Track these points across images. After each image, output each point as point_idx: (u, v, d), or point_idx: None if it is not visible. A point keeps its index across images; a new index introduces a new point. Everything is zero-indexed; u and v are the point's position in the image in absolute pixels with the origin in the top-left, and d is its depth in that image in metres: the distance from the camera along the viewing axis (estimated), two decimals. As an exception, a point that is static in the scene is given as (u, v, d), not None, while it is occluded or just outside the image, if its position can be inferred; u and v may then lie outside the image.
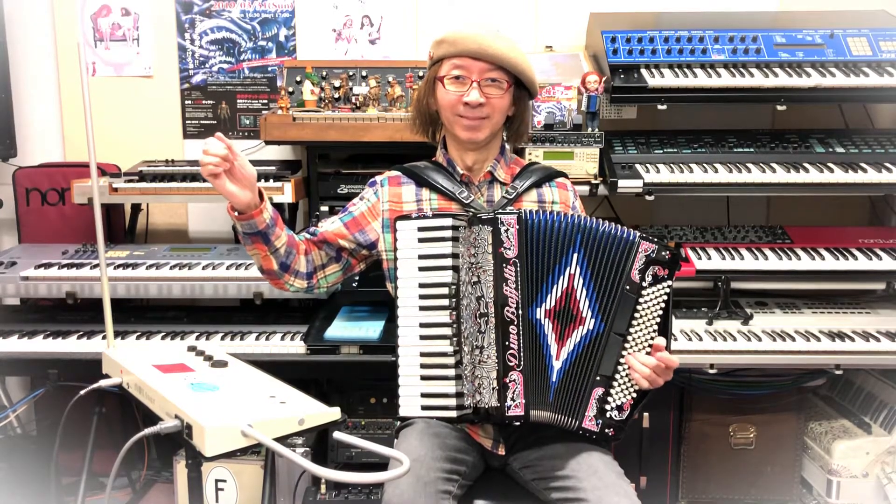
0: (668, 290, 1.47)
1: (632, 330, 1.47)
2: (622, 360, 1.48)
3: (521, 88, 1.65)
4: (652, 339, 1.47)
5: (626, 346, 1.48)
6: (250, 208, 1.50)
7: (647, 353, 1.46)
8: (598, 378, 1.48)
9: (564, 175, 1.78)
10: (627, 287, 1.47)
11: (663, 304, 1.47)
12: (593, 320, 1.49)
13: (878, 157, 2.38)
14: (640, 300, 1.47)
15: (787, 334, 2.19)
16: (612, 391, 1.48)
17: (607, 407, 1.48)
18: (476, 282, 1.50)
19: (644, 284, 1.47)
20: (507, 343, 1.48)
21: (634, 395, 1.48)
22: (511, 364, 1.48)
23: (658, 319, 1.48)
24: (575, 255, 1.49)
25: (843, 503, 2.30)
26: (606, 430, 1.48)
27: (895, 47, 2.38)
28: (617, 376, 1.48)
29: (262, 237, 1.55)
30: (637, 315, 1.47)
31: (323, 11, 2.81)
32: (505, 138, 1.75)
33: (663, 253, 1.47)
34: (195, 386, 1.29)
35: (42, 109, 2.84)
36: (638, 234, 1.48)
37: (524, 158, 2.27)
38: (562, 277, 1.49)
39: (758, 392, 2.38)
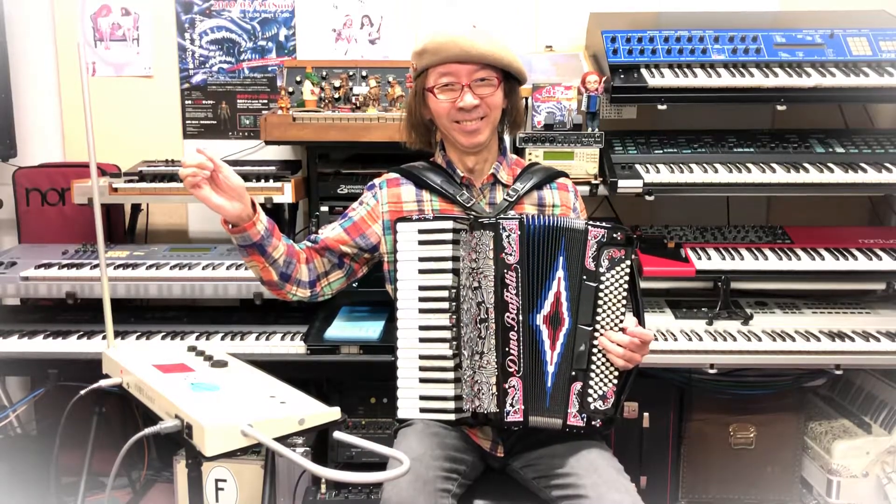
0: (628, 270, 1.48)
1: (598, 318, 1.48)
2: (594, 350, 1.48)
3: (511, 79, 1.65)
4: (621, 321, 1.48)
5: (596, 335, 1.48)
6: (243, 220, 1.49)
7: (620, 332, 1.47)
8: (573, 373, 1.49)
9: (565, 175, 1.77)
10: (585, 277, 1.48)
11: (626, 285, 1.48)
12: (568, 318, 1.50)
13: (878, 157, 2.38)
14: (601, 287, 1.48)
15: (787, 334, 2.19)
16: (591, 382, 1.49)
17: (589, 399, 1.49)
18: (477, 287, 1.50)
19: (601, 270, 1.48)
20: (507, 349, 1.48)
21: (616, 381, 1.49)
22: (511, 370, 1.48)
23: (624, 302, 1.48)
24: (561, 259, 1.50)
25: (843, 503, 2.30)
26: (593, 423, 1.48)
27: (895, 47, 2.38)
28: (592, 367, 1.48)
29: (258, 249, 1.54)
30: (600, 302, 1.48)
31: (323, 11, 2.81)
32: (500, 131, 1.74)
33: (615, 235, 1.47)
34: (195, 386, 1.29)
35: (42, 109, 2.84)
36: (586, 222, 1.49)
37: (525, 158, 2.27)
38: (554, 282, 1.50)
39: (758, 392, 2.38)
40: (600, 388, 1.49)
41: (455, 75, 1.57)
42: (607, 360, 1.49)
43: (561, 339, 1.50)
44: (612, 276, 1.48)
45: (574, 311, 1.49)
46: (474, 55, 1.55)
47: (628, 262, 1.48)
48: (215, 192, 1.46)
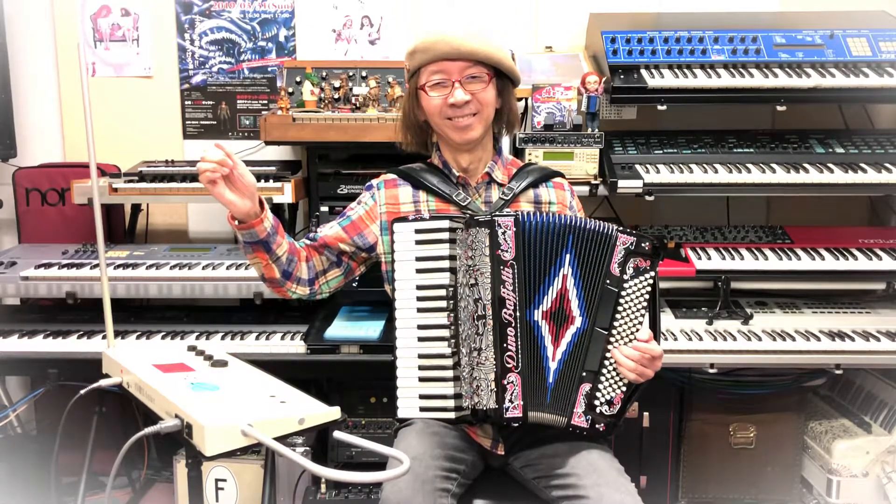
0: (651, 282, 1.47)
1: (616, 324, 1.48)
2: (608, 355, 1.48)
3: (503, 78, 1.65)
4: (637, 330, 1.48)
5: (612, 339, 1.48)
6: (250, 217, 1.50)
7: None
8: (584, 374, 1.49)
9: (561, 175, 1.77)
10: (608, 281, 1.48)
11: (647, 296, 1.48)
12: (580, 318, 1.50)
13: (878, 158, 2.38)
14: (622, 293, 1.47)
15: (787, 334, 2.19)
16: (600, 386, 1.48)
17: (596, 402, 1.48)
18: (474, 284, 1.50)
19: (625, 277, 1.47)
20: (504, 345, 1.48)
21: (624, 388, 1.48)
22: (509, 366, 1.48)
23: (643, 311, 1.48)
24: (568, 256, 1.50)
25: (844, 503, 2.30)
26: (597, 426, 1.48)
27: (895, 47, 2.38)
28: (604, 371, 1.48)
29: (264, 246, 1.55)
30: (620, 308, 1.48)
31: (323, 12, 2.81)
32: (496, 132, 1.74)
33: (643, 245, 1.47)
34: (195, 385, 1.29)
35: (42, 109, 2.84)
36: (615, 227, 1.48)
37: (524, 159, 2.28)
38: (557, 279, 1.50)
39: (758, 392, 2.38)
40: (609, 393, 1.48)
41: (446, 72, 1.58)
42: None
43: (568, 337, 1.50)
44: (635, 284, 1.47)
45: (591, 313, 1.49)
46: (464, 52, 1.56)
47: (652, 274, 1.47)
48: (229, 188, 1.46)
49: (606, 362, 1.48)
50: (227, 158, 1.44)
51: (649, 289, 1.48)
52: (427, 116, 1.65)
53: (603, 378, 1.49)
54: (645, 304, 1.48)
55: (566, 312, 1.50)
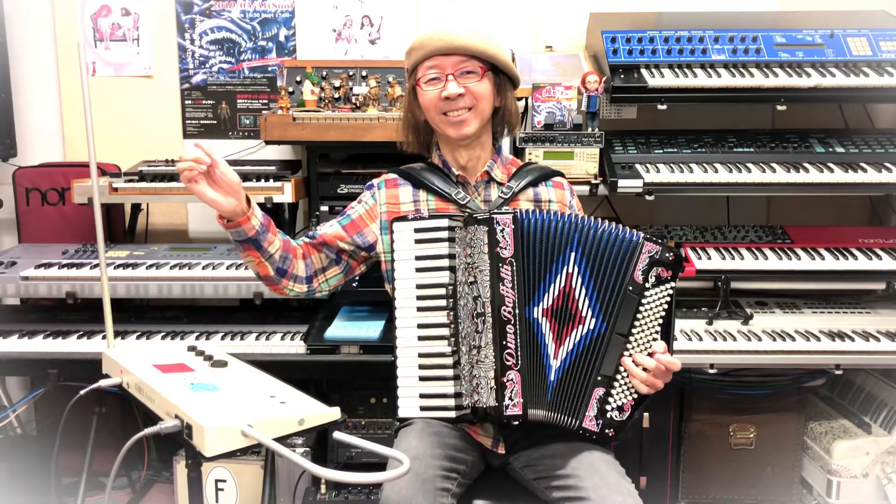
0: (670, 292, 1.46)
1: (634, 331, 1.47)
2: (623, 361, 1.47)
3: (501, 76, 1.65)
4: (654, 339, 1.46)
5: (628, 346, 1.47)
6: (237, 215, 1.50)
7: (648, 355, 1.45)
8: (599, 378, 1.48)
9: (561, 174, 1.77)
10: (630, 288, 1.46)
11: (666, 306, 1.46)
12: (594, 320, 1.48)
13: (878, 157, 2.38)
14: (643, 301, 1.46)
15: (787, 334, 2.19)
16: (614, 391, 1.48)
17: (608, 407, 1.48)
18: (473, 282, 1.50)
19: (647, 285, 1.46)
20: (504, 342, 1.48)
21: (636, 395, 1.48)
22: (509, 363, 1.48)
23: (660, 321, 1.47)
24: (572, 255, 1.49)
25: (843, 503, 2.30)
26: (607, 431, 1.48)
27: (895, 47, 2.38)
28: (618, 376, 1.47)
29: (254, 244, 1.54)
30: (639, 316, 1.46)
31: (323, 11, 2.81)
32: (497, 132, 1.74)
33: (667, 254, 1.46)
34: (195, 386, 1.29)
35: (42, 109, 2.84)
36: (642, 234, 1.47)
37: (524, 158, 2.28)
38: (559, 276, 1.49)
39: (758, 392, 2.38)
40: (620, 399, 1.48)
41: (440, 67, 1.59)
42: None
43: (576, 337, 1.49)
44: (656, 294, 1.46)
45: (609, 318, 1.47)
46: (456, 46, 1.57)
47: (673, 285, 1.46)
48: (211, 187, 1.47)
49: (622, 368, 1.47)
50: (205, 155, 1.44)
51: (668, 299, 1.46)
52: (425, 113, 1.66)
53: (616, 384, 1.47)
54: (663, 313, 1.46)
55: (571, 311, 1.49)
